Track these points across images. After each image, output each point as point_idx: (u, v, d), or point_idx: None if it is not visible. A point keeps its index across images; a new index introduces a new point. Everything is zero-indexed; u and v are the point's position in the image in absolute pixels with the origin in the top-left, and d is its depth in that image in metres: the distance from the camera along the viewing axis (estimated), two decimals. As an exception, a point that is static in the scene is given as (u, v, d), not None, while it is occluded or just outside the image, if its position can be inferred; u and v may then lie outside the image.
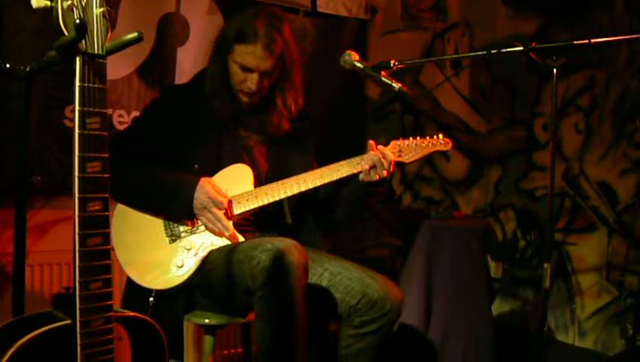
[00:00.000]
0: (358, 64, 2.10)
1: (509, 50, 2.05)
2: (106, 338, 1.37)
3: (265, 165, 2.20)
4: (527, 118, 3.98)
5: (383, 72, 2.07)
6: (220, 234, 2.05)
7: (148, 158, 2.09)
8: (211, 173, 2.10)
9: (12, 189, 1.57)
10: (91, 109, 1.32)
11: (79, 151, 1.31)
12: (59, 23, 1.28)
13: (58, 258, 2.66)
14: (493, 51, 2.10)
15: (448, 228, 3.34)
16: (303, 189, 2.10)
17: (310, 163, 2.25)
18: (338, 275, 2.07)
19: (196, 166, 2.09)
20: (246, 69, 2.07)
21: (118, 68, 2.80)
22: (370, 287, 2.02)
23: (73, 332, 1.33)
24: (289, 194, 2.09)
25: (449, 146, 2.29)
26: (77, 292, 1.33)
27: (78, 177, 1.32)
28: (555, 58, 1.95)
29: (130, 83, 2.84)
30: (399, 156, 2.20)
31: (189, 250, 2.04)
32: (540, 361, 2.54)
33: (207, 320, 2.03)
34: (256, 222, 2.17)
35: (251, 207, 2.08)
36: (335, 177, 2.12)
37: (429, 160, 3.91)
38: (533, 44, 2.00)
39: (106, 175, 1.35)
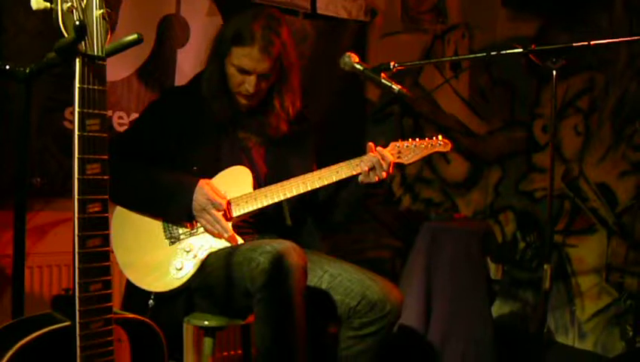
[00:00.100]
0: (358, 66, 2.10)
1: (508, 51, 2.05)
2: (105, 340, 1.36)
3: (264, 167, 2.20)
4: (527, 120, 3.99)
5: (382, 74, 2.07)
6: (218, 236, 2.05)
7: (147, 160, 2.09)
8: (210, 174, 2.10)
9: (12, 191, 1.56)
10: (91, 111, 1.32)
11: (79, 153, 1.32)
12: (58, 24, 1.28)
13: (57, 259, 2.66)
14: (492, 53, 2.10)
15: (448, 229, 3.34)
16: (302, 191, 2.09)
17: (309, 165, 2.25)
18: (338, 277, 2.06)
19: (195, 168, 2.09)
20: (243, 72, 2.07)
21: (118, 69, 2.80)
22: (370, 289, 2.01)
23: (73, 334, 1.33)
24: (288, 196, 2.09)
25: (448, 147, 2.29)
26: (76, 293, 1.32)
27: (78, 179, 1.32)
28: (554, 60, 1.95)
29: (130, 85, 2.84)
30: (398, 157, 2.20)
31: (188, 252, 2.04)
32: (539, 363, 2.54)
33: (206, 322, 2.03)
34: (256, 224, 2.16)
35: (250, 209, 2.08)
36: (334, 179, 2.11)
37: (428, 162, 3.91)
38: (533, 46, 2.00)
39: (105, 177, 1.35)
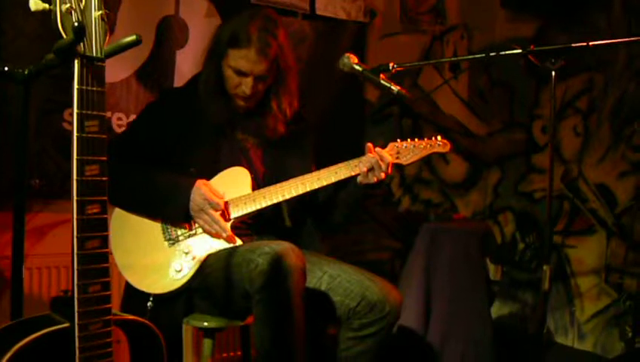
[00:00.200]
0: (357, 67, 2.10)
1: (507, 52, 2.05)
2: (104, 342, 1.36)
3: (262, 168, 2.20)
4: (526, 121, 3.99)
5: (381, 75, 2.07)
6: (217, 236, 2.05)
7: (144, 162, 2.08)
8: (209, 176, 2.10)
9: (10, 192, 1.57)
10: (90, 112, 1.32)
11: (77, 154, 1.31)
12: (57, 26, 1.28)
13: (56, 261, 2.66)
14: (491, 54, 2.10)
15: (447, 230, 3.34)
16: (301, 192, 2.09)
17: (308, 165, 2.25)
18: (337, 278, 2.06)
19: (193, 169, 2.09)
20: (240, 73, 2.07)
21: (117, 71, 2.80)
22: (370, 290, 2.01)
23: (72, 336, 1.33)
24: (287, 197, 2.09)
25: (447, 148, 2.29)
26: (75, 295, 1.32)
27: (77, 180, 1.32)
28: (553, 61, 1.95)
29: (128, 86, 2.84)
30: (397, 158, 2.20)
31: (187, 253, 2.04)
32: (539, 364, 2.54)
33: (206, 323, 2.03)
34: (255, 225, 2.16)
35: (249, 210, 2.08)
36: (333, 180, 2.11)
37: (427, 162, 3.91)
38: (532, 46, 2.00)
39: (104, 178, 1.35)
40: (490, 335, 3.16)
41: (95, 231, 1.34)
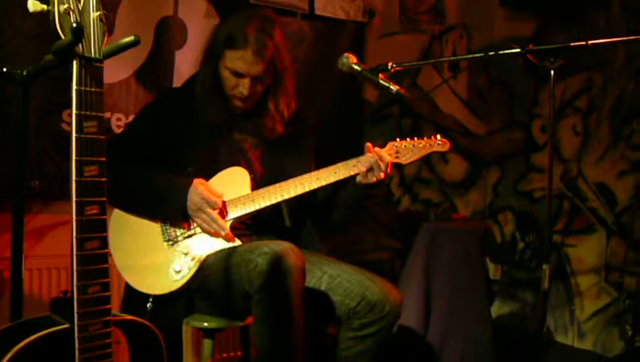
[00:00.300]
0: (356, 67, 2.10)
1: (506, 52, 2.05)
2: (104, 343, 1.36)
3: (260, 168, 2.19)
4: (525, 120, 3.99)
5: (380, 75, 2.07)
6: (215, 235, 2.05)
7: (142, 162, 2.08)
8: (207, 176, 2.10)
9: (10, 193, 1.57)
10: (88, 113, 1.32)
11: (76, 155, 1.31)
12: (55, 26, 1.28)
13: (56, 262, 2.66)
14: (490, 53, 2.10)
15: (447, 230, 3.34)
16: (300, 192, 2.09)
17: (307, 165, 2.24)
18: (337, 278, 2.06)
19: (191, 170, 2.09)
20: (237, 75, 2.07)
21: (116, 71, 2.80)
22: (370, 290, 2.01)
23: (71, 337, 1.33)
24: (286, 197, 2.09)
25: (447, 147, 2.28)
26: (75, 296, 1.32)
27: (76, 181, 1.32)
28: (552, 60, 1.95)
29: (128, 86, 2.84)
30: (396, 157, 2.20)
31: (186, 254, 2.04)
32: (539, 363, 2.54)
33: (205, 324, 2.03)
34: (254, 225, 2.16)
35: (248, 210, 2.08)
36: (332, 179, 2.11)
37: (427, 162, 3.91)
38: (531, 46, 2.00)
39: (103, 179, 1.35)
40: (490, 335, 3.17)
41: (94, 232, 1.34)
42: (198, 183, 2.03)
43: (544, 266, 1.97)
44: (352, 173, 2.12)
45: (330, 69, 2.56)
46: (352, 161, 2.12)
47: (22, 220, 1.56)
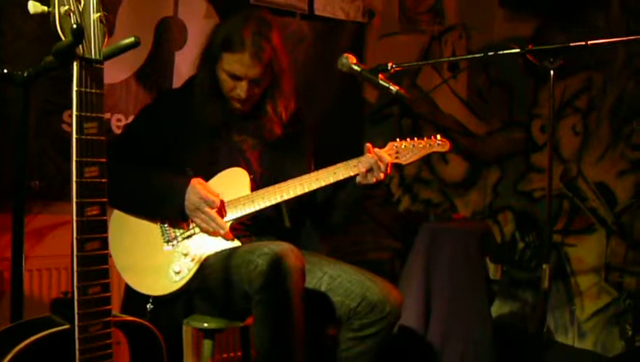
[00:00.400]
0: (356, 67, 2.10)
1: (506, 52, 2.05)
2: (104, 343, 1.36)
3: (260, 169, 2.20)
4: (525, 120, 3.99)
5: (380, 75, 2.07)
6: (215, 234, 2.05)
7: (142, 163, 2.08)
8: (207, 177, 2.10)
9: (10, 194, 1.57)
10: (89, 114, 1.32)
11: (77, 156, 1.32)
12: (56, 28, 1.28)
13: (56, 263, 2.66)
14: (490, 53, 2.10)
15: (447, 230, 3.34)
16: (299, 193, 2.09)
17: (306, 166, 2.25)
18: (338, 278, 2.06)
19: (190, 170, 2.09)
20: (235, 77, 2.07)
21: (116, 72, 2.80)
22: (370, 290, 2.01)
23: (72, 337, 1.33)
24: (285, 197, 2.09)
25: (447, 147, 2.28)
26: (75, 297, 1.32)
27: (76, 182, 1.32)
28: (552, 60, 1.95)
29: (128, 87, 2.85)
30: (396, 158, 2.20)
31: (185, 255, 2.04)
32: (539, 363, 2.54)
33: (206, 324, 2.03)
34: (253, 226, 2.16)
35: (248, 211, 2.08)
36: (332, 180, 2.11)
37: (427, 162, 3.91)
38: (530, 46, 2.00)
39: (103, 179, 1.35)
40: (490, 335, 3.17)
41: (95, 232, 1.34)
42: (196, 183, 2.03)
43: (544, 266, 1.97)
44: (352, 174, 2.12)
45: (329, 70, 2.56)
46: (352, 162, 2.12)
47: (22, 221, 1.56)
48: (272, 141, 2.19)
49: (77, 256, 1.32)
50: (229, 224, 2.06)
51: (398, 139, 2.23)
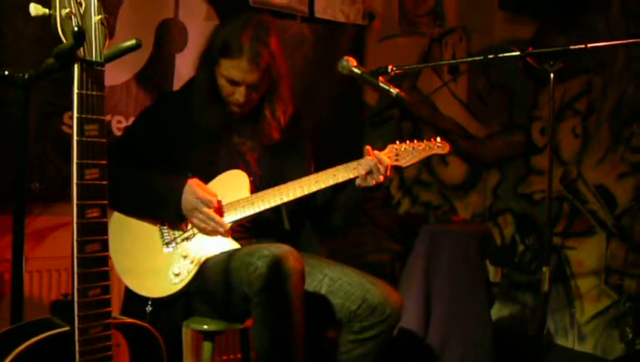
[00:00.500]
0: (356, 70, 2.10)
1: (506, 55, 2.05)
2: (104, 345, 1.36)
3: (259, 171, 2.20)
4: (525, 123, 3.99)
5: (380, 78, 2.07)
6: (214, 233, 2.05)
7: (141, 165, 2.09)
8: (206, 179, 2.10)
9: (10, 195, 1.57)
10: (89, 116, 1.32)
11: (77, 158, 1.32)
12: (57, 30, 1.28)
13: (56, 264, 2.66)
14: (490, 56, 2.11)
15: (447, 232, 3.34)
16: (299, 195, 2.09)
17: (306, 168, 2.25)
18: (338, 281, 2.07)
19: (189, 173, 2.09)
20: (233, 83, 2.08)
21: (117, 74, 2.80)
22: (370, 293, 2.01)
23: (72, 339, 1.33)
24: (285, 200, 2.09)
25: (446, 149, 2.28)
26: (75, 299, 1.32)
27: (77, 184, 1.32)
28: (552, 63, 1.95)
29: (128, 89, 2.85)
30: (396, 160, 2.20)
31: (185, 257, 2.04)
32: (539, 366, 2.54)
33: (205, 326, 2.03)
34: (253, 228, 2.16)
35: (247, 213, 2.08)
36: (331, 182, 2.11)
37: (427, 165, 3.92)
38: (530, 48, 2.00)
39: (104, 182, 1.35)
40: (490, 337, 3.16)
41: (95, 234, 1.34)
42: (192, 183, 2.03)
43: (544, 269, 1.97)
44: (352, 176, 2.12)
45: (330, 72, 2.56)
46: (352, 164, 2.12)
47: (22, 222, 1.56)
48: (271, 144, 2.20)
49: (77, 258, 1.32)
50: (228, 225, 2.06)
51: (397, 142, 2.23)
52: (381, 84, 2.06)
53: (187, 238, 2.07)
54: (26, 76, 1.53)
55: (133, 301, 2.03)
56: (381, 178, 2.11)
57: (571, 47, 1.96)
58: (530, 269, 3.91)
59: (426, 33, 3.84)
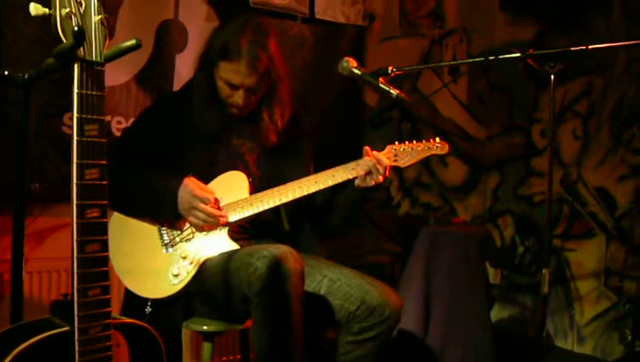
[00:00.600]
0: (356, 71, 2.10)
1: (506, 56, 2.05)
2: (104, 345, 1.36)
3: (259, 172, 2.19)
4: (525, 125, 3.99)
5: (380, 79, 2.07)
6: (212, 227, 2.04)
7: (141, 165, 2.08)
8: (205, 180, 2.10)
9: (10, 196, 1.57)
10: (89, 116, 1.32)
11: (77, 158, 1.32)
12: (57, 30, 1.28)
13: (56, 265, 2.66)
14: (490, 57, 2.10)
15: (447, 234, 3.34)
16: (298, 195, 2.09)
17: (304, 168, 2.25)
18: (337, 282, 2.06)
19: (189, 173, 2.09)
20: (231, 86, 2.08)
21: (117, 74, 2.80)
22: (369, 294, 2.01)
23: (71, 339, 1.33)
24: (284, 200, 2.09)
25: (445, 149, 2.27)
26: (75, 299, 1.32)
27: (77, 184, 1.32)
28: (552, 64, 1.95)
29: (128, 90, 2.85)
30: (395, 161, 2.20)
31: (184, 258, 2.04)
32: (538, 367, 2.54)
33: (205, 327, 2.03)
34: (252, 229, 2.16)
35: (247, 214, 2.08)
36: (330, 183, 2.11)
37: (427, 166, 3.92)
38: (531, 50, 2.00)
39: (104, 182, 1.35)
40: (490, 339, 3.16)
41: (95, 234, 1.34)
42: (188, 182, 2.03)
43: (544, 270, 1.97)
44: (351, 177, 2.12)
45: (330, 73, 2.57)
46: (351, 165, 2.12)
47: (22, 223, 1.56)
48: (269, 146, 2.20)
49: (77, 258, 1.32)
50: (227, 227, 2.06)
51: (396, 142, 2.23)
52: (381, 85, 2.06)
53: (186, 239, 2.07)
54: (26, 76, 1.53)
55: (133, 302, 2.03)
56: (380, 178, 2.11)
57: (572, 48, 1.96)
58: (529, 271, 3.91)
59: (426, 34, 3.85)
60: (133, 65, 2.85)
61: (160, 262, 2.04)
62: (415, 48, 3.80)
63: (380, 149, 2.19)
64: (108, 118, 2.78)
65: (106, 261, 1.36)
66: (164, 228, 2.09)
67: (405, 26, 3.76)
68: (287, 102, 2.20)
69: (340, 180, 2.12)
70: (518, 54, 2.02)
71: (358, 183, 2.12)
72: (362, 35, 3.57)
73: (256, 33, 2.07)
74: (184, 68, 2.93)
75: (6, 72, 1.54)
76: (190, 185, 2.02)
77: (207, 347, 2.07)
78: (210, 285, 1.99)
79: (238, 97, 2.09)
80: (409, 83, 3.79)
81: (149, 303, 2.00)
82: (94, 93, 1.33)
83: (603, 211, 3.58)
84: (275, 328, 1.85)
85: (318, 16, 3.35)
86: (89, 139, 1.33)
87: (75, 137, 1.31)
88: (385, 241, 3.79)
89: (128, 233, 2.08)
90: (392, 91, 2.03)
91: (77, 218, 1.32)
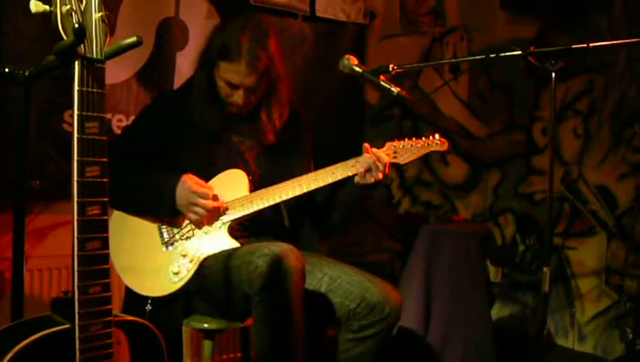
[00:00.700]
0: (357, 68, 2.10)
1: (507, 54, 2.05)
2: (104, 343, 1.36)
3: (258, 170, 2.19)
4: (526, 123, 3.99)
5: (381, 77, 2.07)
6: (212, 221, 2.04)
7: (141, 163, 2.08)
8: (205, 178, 2.10)
9: (11, 194, 1.57)
10: (90, 114, 1.32)
11: (78, 156, 1.32)
12: (58, 27, 1.28)
13: (57, 262, 2.66)
14: (491, 55, 2.10)
15: (447, 232, 3.34)
16: (298, 193, 2.09)
17: (304, 166, 2.25)
18: (337, 279, 2.06)
19: (188, 170, 2.09)
20: (231, 85, 2.08)
21: (118, 72, 2.80)
22: (370, 291, 2.01)
23: (72, 337, 1.33)
24: (284, 198, 2.09)
25: (445, 146, 2.27)
26: (76, 296, 1.32)
27: (77, 181, 1.32)
28: (553, 62, 1.94)
29: (129, 87, 2.85)
30: (394, 157, 2.19)
31: (184, 256, 2.04)
32: (539, 365, 2.54)
33: (206, 325, 2.03)
34: (253, 227, 2.16)
35: (247, 211, 2.08)
36: (330, 180, 2.11)
37: (427, 164, 3.91)
38: (532, 48, 2.00)
39: (104, 179, 1.35)
40: (491, 337, 3.16)
41: (95, 232, 1.34)
42: (186, 178, 2.03)
43: (544, 269, 1.97)
44: (350, 174, 2.12)
45: (331, 71, 2.57)
46: (350, 162, 2.12)
47: (23, 220, 1.56)
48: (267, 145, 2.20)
49: (78, 256, 1.32)
50: (227, 225, 2.06)
51: (396, 139, 2.23)
52: (382, 83, 2.05)
53: (187, 237, 2.07)
54: (27, 73, 1.53)
55: (134, 299, 2.03)
56: (380, 175, 2.11)
57: (573, 46, 1.95)
58: (530, 269, 3.91)
59: (427, 32, 3.84)
60: (134, 63, 2.85)
61: (160, 260, 2.04)
62: (416, 46, 3.80)
63: (380, 147, 2.19)
64: (108, 115, 2.78)
65: (106, 258, 1.37)
66: (164, 226, 2.08)
67: (406, 23, 3.76)
68: (286, 102, 2.20)
69: (340, 177, 2.12)
70: (519, 52, 2.02)
71: (357, 180, 2.12)
72: (363, 32, 3.57)
73: (256, 32, 2.07)
74: (185, 65, 2.93)
75: (6, 70, 1.54)
76: (188, 181, 2.02)
77: (207, 345, 2.07)
78: (210, 283, 1.99)
79: (238, 97, 2.09)
80: (410, 81, 3.79)
81: (150, 301, 2.00)
82: (95, 90, 1.33)
83: (604, 209, 3.58)
84: (276, 326, 1.85)
85: (318, 14, 3.35)
86: (90, 137, 1.33)
87: (75, 135, 1.31)
88: (385, 239, 3.79)
89: (129, 231, 2.08)
90: (392, 89, 2.03)
91: (77, 215, 1.32)
